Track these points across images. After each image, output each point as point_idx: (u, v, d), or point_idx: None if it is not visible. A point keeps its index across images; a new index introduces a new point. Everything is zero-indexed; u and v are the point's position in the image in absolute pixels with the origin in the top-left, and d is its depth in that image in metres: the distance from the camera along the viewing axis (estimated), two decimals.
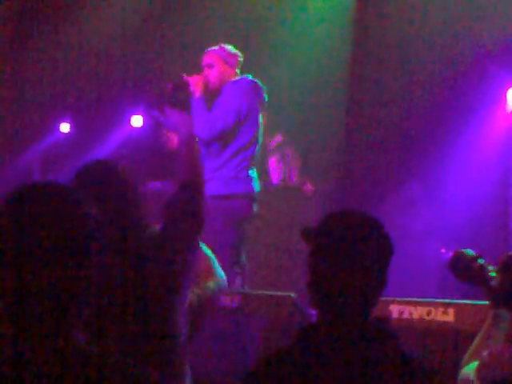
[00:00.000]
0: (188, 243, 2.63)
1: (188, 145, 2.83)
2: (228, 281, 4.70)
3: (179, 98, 4.78)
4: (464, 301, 4.23)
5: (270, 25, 7.65)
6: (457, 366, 2.70)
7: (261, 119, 5.09)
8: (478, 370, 2.47)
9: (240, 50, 5.16)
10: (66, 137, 9.34)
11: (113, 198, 2.52)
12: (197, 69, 5.10)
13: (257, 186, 5.01)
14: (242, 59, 5.12)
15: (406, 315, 4.25)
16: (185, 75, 5.00)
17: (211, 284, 3.02)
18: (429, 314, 4.21)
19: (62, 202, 1.55)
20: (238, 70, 5.11)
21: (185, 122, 2.92)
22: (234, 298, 4.30)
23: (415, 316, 4.24)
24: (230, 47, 5.12)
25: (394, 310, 4.27)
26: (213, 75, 5.05)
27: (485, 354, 2.52)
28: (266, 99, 5.10)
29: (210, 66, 5.06)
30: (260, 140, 5.09)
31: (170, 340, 2.53)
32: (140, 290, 2.46)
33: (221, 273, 3.34)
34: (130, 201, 2.55)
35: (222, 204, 4.80)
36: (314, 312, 2.08)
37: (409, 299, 4.38)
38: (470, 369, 2.56)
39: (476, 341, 2.74)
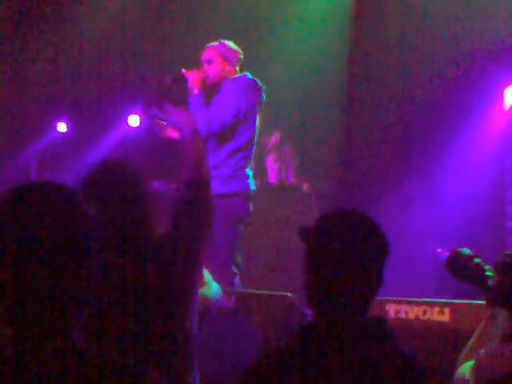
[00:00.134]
0: (199, 241, 2.64)
1: (192, 143, 2.82)
2: (227, 281, 4.72)
3: (177, 92, 4.75)
4: (460, 300, 4.24)
5: (269, 24, 7.65)
6: (453, 365, 2.71)
7: (258, 119, 5.06)
8: (474, 369, 2.48)
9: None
10: (63, 136, 9.33)
11: (123, 199, 2.51)
12: (196, 66, 5.04)
13: (252, 184, 5.00)
14: (242, 56, 5.07)
15: (402, 315, 4.26)
16: (184, 70, 4.96)
17: (206, 291, 3.04)
18: (425, 313, 4.22)
19: (60, 202, 1.55)
20: (237, 68, 5.06)
21: (188, 119, 2.92)
22: (232, 298, 4.31)
23: (411, 316, 4.25)
24: (230, 43, 5.04)
25: (391, 309, 4.28)
26: (212, 71, 4.99)
27: (481, 353, 2.53)
28: (264, 99, 5.07)
29: (210, 61, 5.01)
30: (256, 139, 5.07)
31: (186, 340, 2.54)
32: (156, 292, 2.46)
33: (214, 284, 3.36)
34: (139, 201, 2.55)
35: (219, 203, 4.78)
36: (309, 312, 2.08)
37: (405, 299, 4.39)
38: (465, 368, 2.57)
39: (472, 340, 2.75)
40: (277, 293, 4.52)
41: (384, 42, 7.22)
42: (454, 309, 4.15)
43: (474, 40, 6.65)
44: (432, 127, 6.91)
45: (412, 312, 4.26)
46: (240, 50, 5.06)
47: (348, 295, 1.98)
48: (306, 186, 7.20)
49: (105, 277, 2.37)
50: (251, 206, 5.01)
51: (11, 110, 8.93)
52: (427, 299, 4.63)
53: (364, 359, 1.90)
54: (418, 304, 4.29)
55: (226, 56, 4.99)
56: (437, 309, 4.20)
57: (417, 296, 4.64)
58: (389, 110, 7.17)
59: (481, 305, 3.17)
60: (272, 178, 7.28)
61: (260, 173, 6.95)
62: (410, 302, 4.32)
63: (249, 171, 4.98)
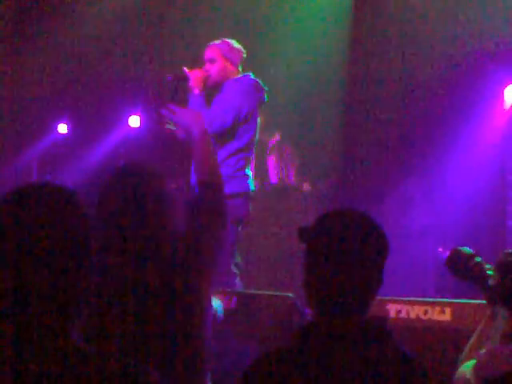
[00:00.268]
0: (213, 241, 2.64)
1: (201, 143, 2.82)
2: (228, 281, 4.71)
3: (177, 92, 4.72)
4: (461, 300, 4.24)
5: (269, 24, 7.66)
6: (454, 364, 2.71)
7: (259, 120, 5.03)
8: (476, 368, 2.48)
9: None
10: (64, 137, 9.34)
11: (143, 201, 2.50)
12: (198, 65, 5.00)
13: (252, 184, 4.99)
14: (245, 55, 5.02)
15: (403, 314, 4.26)
16: (186, 69, 4.92)
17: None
18: (426, 313, 4.22)
19: (60, 203, 1.55)
20: (240, 67, 5.02)
21: (197, 120, 2.91)
22: (232, 299, 4.31)
23: (412, 315, 4.24)
24: (233, 42, 4.97)
25: (392, 309, 4.28)
26: (214, 71, 4.95)
27: (482, 352, 2.53)
28: (267, 100, 5.02)
29: (212, 60, 4.96)
30: (256, 140, 5.04)
31: (200, 341, 2.54)
32: (170, 293, 2.46)
33: (216, 301, 3.37)
34: (159, 203, 2.54)
35: None
36: (309, 311, 2.08)
37: (406, 298, 4.39)
38: (466, 367, 2.57)
39: (472, 339, 2.75)
40: (278, 293, 4.52)
41: (384, 42, 7.22)
42: (455, 308, 4.14)
43: (474, 40, 6.66)
44: (432, 126, 6.91)
45: (413, 312, 4.26)
46: (243, 49, 5.01)
47: (348, 295, 1.97)
48: (306, 186, 7.21)
49: (113, 277, 2.37)
50: (251, 207, 5.00)
51: (12, 112, 8.94)
52: (428, 299, 4.63)
53: (364, 359, 1.90)
54: (418, 304, 4.29)
55: (229, 56, 4.95)
56: (438, 308, 4.19)
57: (418, 296, 4.64)
58: (389, 109, 7.18)
59: (482, 304, 3.17)
60: (274, 177, 7.28)
61: (260, 173, 6.96)
62: (410, 302, 4.32)
63: (249, 171, 4.96)
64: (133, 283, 2.38)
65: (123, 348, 2.27)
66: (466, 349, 2.72)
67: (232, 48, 4.95)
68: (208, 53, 4.97)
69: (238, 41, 5.04)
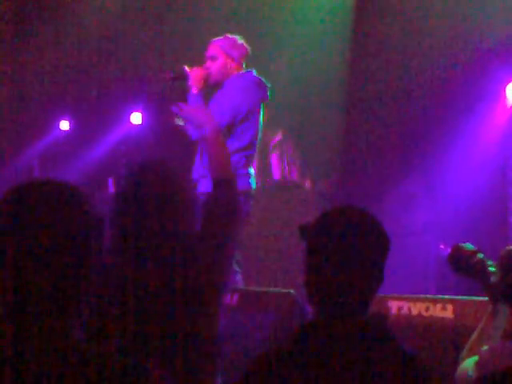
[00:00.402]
0: (230, 238, 2.64)
1: (214, 141, 2.82)
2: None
3: (176, 90, 4.69)
4: (462, 297, 4.24)
5: (269, 24, 7.65)
6: (455, 361, 2.70)
7: (261, 118, 4.96)
8: (478, 365, 2.48)
9: None
10: (66, 134, 9.34)
11: (164, 199, 2.50)
12: (199, 64, 4.97)
13: (254, 183, 4.94)
14: (249, 51, 4.94)
15: (404, 311, 4.26)
16: (186, 67, 4.89)
17: None
18: (427, 310, 4.22)
19: (62, 201, 1.54)
20: (243, 63, 4.94)
21: (209, 118, 2.91)
22: (233, 296, 4.30)
23: (414, 312, 4.25)
24: (235, 38, 4.88)
25: (393, 306, 4.28)
26: (214, 68, 4.91)
27: (484, 349, 2.53)
28: (270, 97, 4.96)
29: (213, 58, 4.91)
30: (259, 138, 4.98)
31: (211, 341, 2.54)
32: (184, 292, 2.45)
33: None
34: (180, 201, 2.54)
35: None
36: (310, 309, 2.08)
37: (408, 295, 4.39)
38: (468, 364, 2.57)
39: (474, 336, 2.74)
40: (279, 290, 4.52)
41: (384, 42, 7.22)
42: (457, 305, 4.14)
43: (475, 38, 6.65)
44: (433, 124, 6.91)
45: (415, 308, 4.26)
46: (246, 45, 4.95)
47: (349, 293, 1.97)
48: (308, 184, 7.21)
49: (113, 277, 2.37)
50: (252, 205, 4.98)
51: (13, 109, 8.94)
52: (430, 296, 4.63)
53: (364, 359, 1.90)
54: (420, 300, 4.29)
55: (230, 52, 4.89)
56: (439, 305, 4.19)
57: (419, 292, 4.64)
58: (391, 107, 7.17)
59: (483, 301, 3.17)
60: (276, 175, 7.29)
61: (262, 171, 6.96)
62: (412, 299, 4.32)
63: (251, 170, 4.91)
64: (133, 283, 2.38)
65: (123, 348, 2.27)
66: (468, 346, 2.72)
67: (233, 44, 4.89)
68: (209, 50, 4.94)
69: (241, 37, 4.98)
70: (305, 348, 1.94)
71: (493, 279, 2.70)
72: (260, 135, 4.95)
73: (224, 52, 4.87)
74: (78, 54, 8.73)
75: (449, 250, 2.84)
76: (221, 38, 4.93)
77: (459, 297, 4.30)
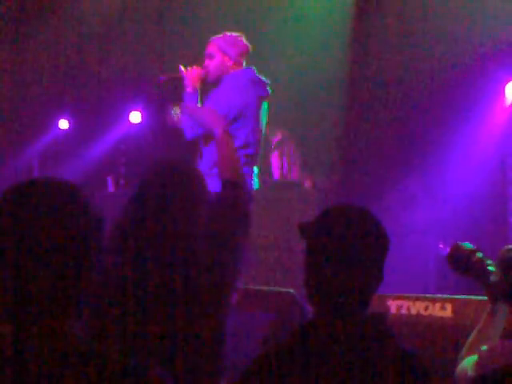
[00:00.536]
0: (240, 239, 2.64)
1: (223, 142, 2.82)
2: None
3: (171, 91, 4.66)
4: (462, 296, 4.25)
5: (269, 24, 7.65)
6: (454, 360, 2.70)
7: (263, 114, 4.88)
8: (477, 365, 2.48)
9: None
10: (65, 133, 9.34)
11: (183, 198, 2.49)
12: (198, 63, 4.96)
13: (255, 183, 4.87)
14: (248, 48, 4.88)
15: (404, 310, 4.27)
16: (181, 67, 4.88)
17: None
18: (426, 309, 4.22)
19: (62, 199, 1.54)
20: (243, 61, 4.89)
21: (218, 119, 2.91)
22: (233, 295, 4.30)
23: (413, 311, 4.25)
24: (234, 36, 4.82)
25: (392, 305, 4.28)
26: (212, 66, 4.88)
27: (484, 349, 2.52)
28: (270, 92, 4.89)
29: (211, 56, 4.89)
30: (261, 136, 4.90)
31: (216, 340, 2.54)
32: (190, 293, 2.45)
33: None
34: (197, 200, 2.53)
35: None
36: (310, 308, 2.08)
37: (407, 294, 4.40)
38: (467, 364, 2.56)
39: (473, 335, 2.74)
40: (279, 289, 4.52)
41: (384, 42, 7.22)
42: (456, 304, 4.15)
43: (475, 38, 6.65)
44: (433, 124, 6.91)
45: (414, 308, 4.27)
46: (246, 43, 4.90)
47: (348, 292, 1.97)
48: (308, 183, 7.21)
49: (113, 277, 2.37)
50: (252, 206, 4.92)
51: (13, 108, 8.94)
52: (429, 295, 4.64)
53: (364, 357, 1.90)
54: (419, 300, 4.30)
55: (227, 50, 4.85)
56: (438, 304, 4.20)
57: (419, 292, 4.65)
58: (390, 107, 7.18)
59: (482, 301, 3.17)
60: (276, 174, 7.29)
61: (262, 170, 6.95)
62: (411, 298, 4.33)
63: (252, 169, 4.83)
64: (133, 283, 2.37)
65: (123, 348, 2.27)
66: (467, 345, 2.72)
67: (231, 42, 4.85)
68: (208, 48, 4.92)
69: (242, 34, 4.94)
70: (305, 347, 1.94)
71: (492, 278, 2.70)
72: (263, 131, 4.89)
73: (221, 50, 4.84)
74: (77, 53, 8.73)
75: (448, 250, 2.84)
76: (220, 36, 4.90)
77: (458, 296, 4.30)
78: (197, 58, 5.02)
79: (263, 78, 4.85)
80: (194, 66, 4.88)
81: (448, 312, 4.12)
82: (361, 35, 7.44)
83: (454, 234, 6.02)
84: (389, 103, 7.17)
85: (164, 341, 2.35)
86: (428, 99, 6.96)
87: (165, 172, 2.54)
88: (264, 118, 4.89)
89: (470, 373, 2.49)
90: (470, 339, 2.74)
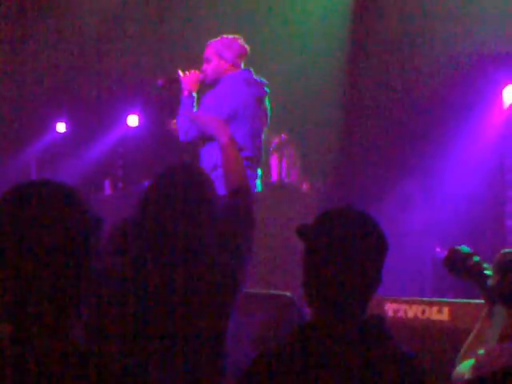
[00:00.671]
0: (245, 246, 2.64)
1: (229, 150, 2.83)
2: None
3: (168, 94, 4.66)
4: (458, 300, 4.25)
5: (270, 23, 7.65)
6: (452, 363, 2.71)
7: (259, 115, 4.85)
8: (475, 368, 2.48)
9: None
10: (63, 136, 9.34)
11: (190, 203, 2.49)
12: (196, 66, 4.96)
13: (258, 186, 4.83)
14: (246, 50, 4.87)
15: (401, 314, 4.27)
16: (179, 71, 4.88)
17: None
18: (424, 312, 4.22)
19: (61, 201, 1.54)
20: (241, 63, 4.86)
21: (224, 128, 2.92)
22: None
23: (410, 315, 4.25)
24: (230, 38, 4.82)
25: (389, 308, 4.29)
26: (209, 70, 4.90)
27: (481, 352, 2.53)
28: (268, 92, 4.87)
29: (208, 60, 4.90)
30: (262, 136, 4.86)
31: (219, 341, 2.54)
32: (196, 293, 2.45)
33: None
34: (205, 205, 2.54)
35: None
36: (308, 311, 2.08)
37: (404, 298, 4.40)
38: (464, 367, 2.57)
39: (470, 338, 2.74)
40: (276, 292, 4.52)
41: (384, 42, 7.23)
42: (453, 308, 4.15)
43: (474, 40, 6.66)
44: (432, 126, 6.92)
45: (411, 311, 4.27)
46: (244, 45, 4.89)
47: (347, 294, 1.97)
48: (306, 185, 7.22)
49: (113, 277, 2.37)
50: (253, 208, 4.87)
51: (10, 111, 8.93)
52: (426, 298, 4.64)
53: (363, 359, 1.90)
54: (416, 303, 4.30)
55: (223, 54, 4.84)
56: (436, 308, 4.20)
57: (415, 294, 4.65)
58: (389, 109, 7.19)
59: (479, 304, 3.17)
60: (275, 176, 7.29)
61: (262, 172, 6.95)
62: (408, 301, 4.33)
63: (254, 172, 4.78)
64: (133, 283, 2.38)
65: (123, 348, 2.27)
66: (464, 348, 2.72)
67: (227, 45, 4.83)
68: (205, 52, 4.93)
69: (240, 36, 4.93)
70: (303, 349, 1.94)
71: (489, 282, 2.70)
72: (263, 130, 4.87)
73: (217, 54, 4.84)
74: (75, 56, 8.73)
75: (445, 253, 2.85)
76: (217, 39, 4.90)
77: (455, 299, 4.31)
78: (196, 59, 5.02)
79: (260, 79, 4.84)
80: (193, 71, 4.89)
81: (445, 315, 4.13)
82: (361, 35, 7.44)
83: (451, 236, 6.02)
84: (388, 105, 7.18)
85: (164, 341, 2.35)
86: (427, 101, 6.97)
87: (174, 174, 2.55)
88: (261, 118, 4.86)
89: (467, 376, 2.49)
90: (467, 342, 2.74)
